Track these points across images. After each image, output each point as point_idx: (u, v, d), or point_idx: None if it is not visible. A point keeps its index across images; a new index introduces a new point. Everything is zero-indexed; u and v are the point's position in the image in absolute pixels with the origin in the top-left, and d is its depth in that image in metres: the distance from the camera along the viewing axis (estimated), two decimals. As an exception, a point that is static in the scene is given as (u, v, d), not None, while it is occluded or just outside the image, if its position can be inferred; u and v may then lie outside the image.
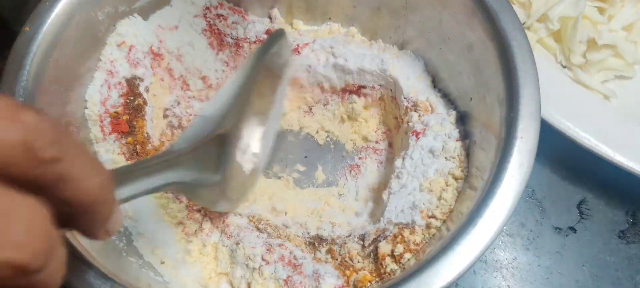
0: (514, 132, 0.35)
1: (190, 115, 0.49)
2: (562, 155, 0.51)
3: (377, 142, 0.50)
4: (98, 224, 0.23)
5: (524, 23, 0.55)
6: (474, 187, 0.37)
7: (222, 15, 0.50)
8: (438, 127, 0.43)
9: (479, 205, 0.33)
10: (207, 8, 0.50)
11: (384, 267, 0.37)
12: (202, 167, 0.35)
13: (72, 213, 0.21)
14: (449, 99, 0.46)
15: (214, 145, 0.37)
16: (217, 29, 0.50)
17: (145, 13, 0.47)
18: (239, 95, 0.39)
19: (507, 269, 0.47)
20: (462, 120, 0.44)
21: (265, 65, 0.42)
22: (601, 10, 0.55)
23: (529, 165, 0.34)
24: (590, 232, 0.49)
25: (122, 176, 0.28)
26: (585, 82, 0.53)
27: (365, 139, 0.51)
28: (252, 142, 0.43)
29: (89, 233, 0.23)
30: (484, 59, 0.41)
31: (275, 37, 0.43)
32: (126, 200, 0.28)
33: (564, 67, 0.55)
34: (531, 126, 0.35)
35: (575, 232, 0.49)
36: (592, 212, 0.50)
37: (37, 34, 0.39)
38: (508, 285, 0.47)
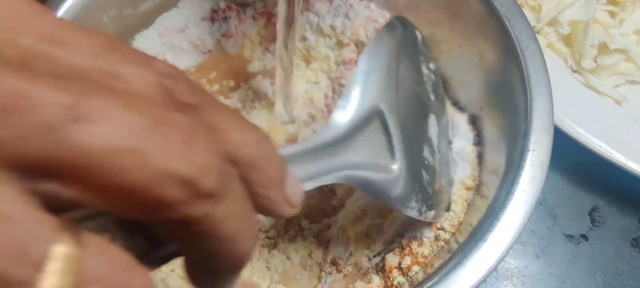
0: (526, 144, 0.35)
1: None
2: (573, 162, 0.51)
3: None
4: (273, 188, 0.19)
5: (534, 27, 0.55)
6: (485, 196, 0.37)
7: (230, 17, 0.50)
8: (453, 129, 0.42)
9: (490, 219, 0.33)
10: (215, 11, 0.49)
11: (391, 279, 0.37)
12: (373, 152, 0.30)
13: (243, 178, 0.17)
14: (458, 107, 0.45)
15: (380, 127, 0.32)
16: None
17: (151, 16, 0.47)
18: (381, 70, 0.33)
19: (517, 277, 0.47)
20: (474, 124, 0.43)
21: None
22: (612, 14, 0.55)
23: (541, 178, 0.34)
24: (602, 240, 0.49)
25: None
26: (596, 86, 0.52)
27: None
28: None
29: (269, 204, 0.19)
30: (495, 68, 0.40)
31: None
32: None
33: (575, 71, 0.54)
34: (544, 138, 0.35)
35: (587, 240, 0.48)
36: (604, 220, 0.49)
37: None
38: (519, 294, 0.46)
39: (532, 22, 0.55)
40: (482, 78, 0.42)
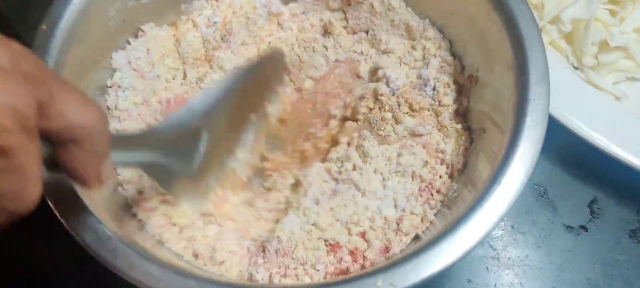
0: (526, 94, 0.37)
1: None
2: (573, 155, 0.52)
3: None
4: (91, 162, 0.25)
5: (536, 25, 0.56)
6: (490, 148, 0.39)
7: None
8: None
9: (501, 164, 0.35)
10: None
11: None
12: (180, 155, 0.36)
13: (65, 144, 0.24)
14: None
15: (194, 137, 0.38)
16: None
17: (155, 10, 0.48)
18: (226, 97, 0.40)
19: (519, 266, 0.48)
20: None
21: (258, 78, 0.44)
22: (613, 13, 0.56)
23: (543, 123, 0.36)
24: (601, 231, 0.50)
25: None
26: (596, 83, 0.54)
27: None
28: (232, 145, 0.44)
29: (82, 174, 0.26)
30: (489, 29, 0.42)
31: (275, 54, 0.44)
32: None
33: (576, 68, 0.56)
34: (542, 89, 0.38)
35: (586, 231, 0.50)
36: (603, 211, 0.51)
37: (54, 31, 0.40)
38: (520, 282, 0.47)
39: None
40: (476, 41, 0.44)
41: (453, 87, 0.46)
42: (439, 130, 0.45)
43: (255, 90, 0.45)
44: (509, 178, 0.34)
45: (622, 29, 0.55)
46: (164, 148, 0.35)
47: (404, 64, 0.48)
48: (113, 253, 0.32)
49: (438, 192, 0.42)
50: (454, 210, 0.38)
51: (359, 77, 0.49)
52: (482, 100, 0.43)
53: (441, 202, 0.42)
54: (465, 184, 0.40)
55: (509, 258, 0.48)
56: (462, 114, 0.46)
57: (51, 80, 0.24)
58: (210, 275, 0.38)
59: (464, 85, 0.46)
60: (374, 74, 0.48)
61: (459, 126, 0.45)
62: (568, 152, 0.52)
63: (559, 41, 0.56)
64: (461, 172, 0.42)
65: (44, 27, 0.40)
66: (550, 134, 0.50)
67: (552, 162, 0.53)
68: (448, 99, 0.46)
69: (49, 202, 0.33)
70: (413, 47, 0.49)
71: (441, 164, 0.44)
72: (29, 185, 0.22)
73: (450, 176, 0.43)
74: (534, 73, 0.38)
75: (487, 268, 0.48)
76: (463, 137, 0.44)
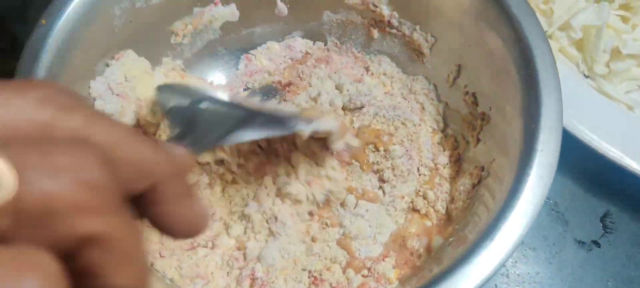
0: (534, 144, 0.34)
1: None
2: (585, 167, 0.50)
3: None
4: (186, 202, 0.21)
5: (546, 31, 0.54)
6: (493, 193, 0.37)
7: None
8: None
9: (497, 218, 0.33)
10: None
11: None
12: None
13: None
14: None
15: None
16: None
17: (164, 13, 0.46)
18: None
19: (529, 284, 0.46)
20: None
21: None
22: (625, 19, 0.54)
23: (549, 178, 0.33)
24: (614, 246, 0.48)
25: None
26: (608, 92, 0.52)
27: None
28: None
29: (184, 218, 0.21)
30: (505, 68, 0.40)
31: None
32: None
33: (586, 76, 0.54)
34: (552, 138, 0.35)
35: (598, 246, 0.48)
36: (616, 226, 0.49)
37: (53, 28, 0.38)
38: (530, 300, 0.46)
39: (544, 26, 0.54)
40: (491, 77, 0.42)
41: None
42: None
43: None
44: (503, 233, 0.32)
45: (634, 36, 0.53)
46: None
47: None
48: None
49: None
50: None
51: None
52: (490, 142, 0.42)
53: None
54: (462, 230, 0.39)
55: (518, 275, 0.47)
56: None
57: (95, 117, 0.18)
58: None
59: (476, 123, 0.44)
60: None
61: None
62: (579, 164, 0.50)
63: (568, 48, 0.54)
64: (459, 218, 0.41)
65: (43, 21, 0.39)
66: (561, 145, 0.49)
67: (562, 175, 0.51)
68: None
69: None
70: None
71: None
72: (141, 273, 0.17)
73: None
74: (545, 121, 0.35)
75: (496, 285, 0.46)
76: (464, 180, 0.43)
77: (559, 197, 0.50)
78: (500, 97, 0.41)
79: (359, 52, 0.52)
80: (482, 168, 0.41)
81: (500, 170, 0.38)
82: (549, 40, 0.53)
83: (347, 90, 0.49)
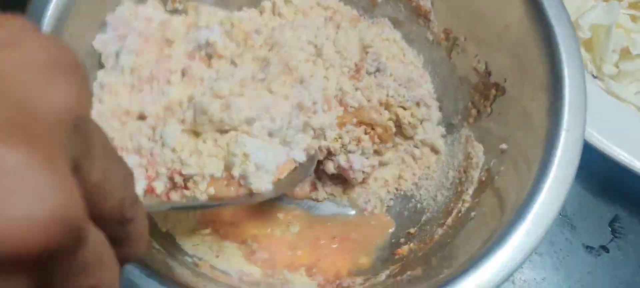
0: (560, 122, 0.34)
1: None
2: (593, 171, 0.49)
3: None
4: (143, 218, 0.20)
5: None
6: (519, 170, 0.36)
7: None
8: None
9: (528, 199, 0.32)
10: None
11: None
12: None
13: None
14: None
15: None
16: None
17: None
18: None
19: (535, 290, 0.45)
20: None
21: None
22: (635, 19, 0.53)
23: (576, 159, 0.33)
24: (624, 252, 0.47)
25: None
26: (617, 93, 0.51)
27: None
28: None
29: (136, 246, 0.20)
30: (523, 40, 0.38)
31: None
32: None
33: (595, 77, 0.53)
34: (578, 118, 0.34)
35: (607, 252, 0.47)
36: (626, 231, 0.48)
37: None
38: (537, 307, 0.45)
39: (552, 25, 0.54)
40: (507, 51, 0.40)
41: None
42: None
43: None
44: (526, 230, 0.31)
45: (645, 36, 0.52)
46: None
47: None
48: None
49: None
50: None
51: None
52: (507, 116, 0.40)
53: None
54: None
55: (524, 281, 0.46)
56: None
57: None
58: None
59: (489, 92, 0.43)
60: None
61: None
62: (588, 167, 0.49)
63: (577, 48, 0.53)
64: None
65: None
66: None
67: (570, 178, 0.50)
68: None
69: None
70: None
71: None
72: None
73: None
74: (572, 99, 0.34)
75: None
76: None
77: (566, 201, 0.48)
78: (517, 71, 0.39)
79: (361, 15, 0.50)
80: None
81: (523, 148, 0.37)
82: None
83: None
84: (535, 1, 0.38)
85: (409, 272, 0.37)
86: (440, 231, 0.40)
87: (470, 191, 0.40)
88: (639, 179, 0.45)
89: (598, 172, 0.49)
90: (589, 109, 0.48)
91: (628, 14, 0.53)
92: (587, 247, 0.47)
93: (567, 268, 0.46)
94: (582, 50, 0.53)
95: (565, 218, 0.48)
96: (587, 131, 0.46)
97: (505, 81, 0.41)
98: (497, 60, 0.42)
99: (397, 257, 0.41)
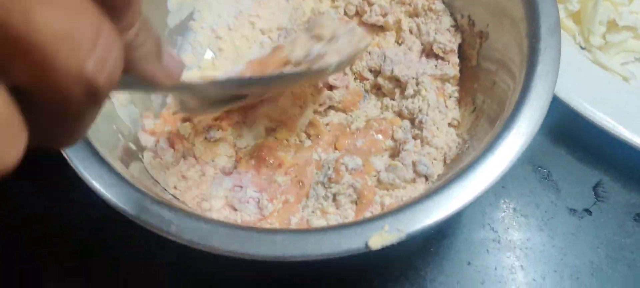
0: (537, 44, 0.37)
1: None
2: (579, 137, 0.51)
3: None
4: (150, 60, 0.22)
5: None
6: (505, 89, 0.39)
7: None
8: None
9: (514, 110, 0.34)
10: None
11: None
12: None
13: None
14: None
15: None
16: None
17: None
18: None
19: (520, 249, 0.47)
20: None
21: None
22: (622, -9, 0.54)
23: (554, 74, 0.36)
24: (606, 215, 0.49)
25: None
26: (604, 63, 0.52)
27: None
28: None
29: (148, 71, 0.22)
30: None
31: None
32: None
33: (583, 48, 0.54)
34: (553, 40, 0.37)
35: (590, 214, 0.49)
36: (608, 195, 0.50)
37: None
38: (521, 265, 0.46)
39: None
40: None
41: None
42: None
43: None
44: (522, 122, 0.34)
45: (631, 8, 0.53)
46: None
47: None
48: (120, 197, 0.32)
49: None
50: (464, 159, 0.38)
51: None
52: (492, 57, 0.43)
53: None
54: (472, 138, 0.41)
55: (510, 241, 0.47)
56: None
57: None
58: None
59: (474, 41, 0.46)
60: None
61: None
62: (573, 133, 0.51)
63: (566, 20, 0.55)
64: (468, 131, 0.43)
65: None
66: (556, 114, 0.50)
67: (556, 144, 0.51)
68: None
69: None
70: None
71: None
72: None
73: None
74: (545, 23, 0.37)
75: (487, 250, 0.47)
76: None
77: (552, 166, 0.50)
78: (497, 13, 0.43)
79: None
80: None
81: (507, 77, 0.40)
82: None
83: None
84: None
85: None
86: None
87: None
88: (623, 145, 0.47)
89: (583, 138, 0.51)
90: (577, 78, 0.50)
91: (616, -13, 0.54)
92: (571, 209, 0.49)
93: (551, 229, 0.48)
94: (571, 22, 0.55)
95: (550, 182, 0.50)
96: (575, 99, 0.48)
97: (488, 26, 0.44)
98: (478, 10, 0.46)
99: None
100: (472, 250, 0.47)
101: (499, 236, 0.47)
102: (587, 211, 0.49)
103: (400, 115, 0.46)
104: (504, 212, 0.49)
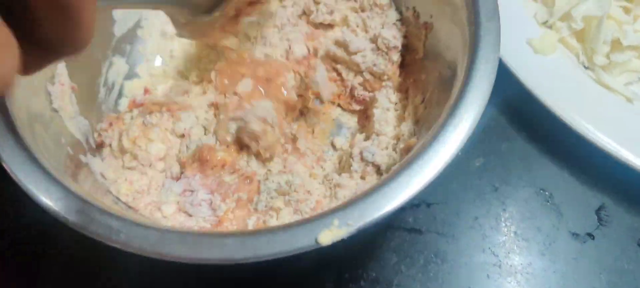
0: (477, 30, 0.37)
1: None
2: (581, 159, 0.50)
3: None
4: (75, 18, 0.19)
5: (546, 22, 0.54)
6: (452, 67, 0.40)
7: None
8: None
9: (456, 99, 0.35)
10: None
11: None
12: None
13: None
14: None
15: None
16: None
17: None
18: None
19: (521, 274, 0.46)
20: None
21: None
22: (626, 10, 0.54)
23: (495, 59, 0.36)
24: (609, 239, 0.48)
25: None
26: (607, 83, 0.51)
27: None
28: None
29: (69, 35, 0.20)
30: None
31: None
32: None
33: (586, 67, 0.53)
34: (492, 24, 0.37)
35: (593, 239, 0.48)
36: (611, 219, 0.49)
37: None
38: (522, 291, 0.46)
39: (545, 16, 0.54)
40: None
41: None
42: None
43: None
44: (466, 108, 0.34)
45: (635, 27, 0.53)
46: None
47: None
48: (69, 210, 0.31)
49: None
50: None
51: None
52: (437, 47, 0.44)
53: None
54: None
55: (511, 266, 0.47)
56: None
57: None
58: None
59: (419, 33, 0.46)
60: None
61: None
62: (576, 155, 0.50)
63: (569, 39, 0.54)
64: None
65: None
66: (558, 136, 0.49)
67: (558, 166, 0.51)
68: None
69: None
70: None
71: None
72: None
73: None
74: (484, 9, 0.38)
75: (488, 275, 0.46)
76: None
77: (553, 188, 0.50)
78: (439, 2, 0.44)
79: None
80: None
81: (452, 65, 0.40)
82: (550, 30, 0.53)
83: None
84: None
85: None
86: None
87: None
88: (626, 168, 0.46)
89: (586, 161, 0.50)
90: (579, 98, 0.49)
91: (620, 6, 0.54)
92: (573, 233, 0.48)
93: (552, 253, 0.47)
94: (574, 41, 0.54)
95: (552, 205, 0.49)
96: (577, 120, 0.47)
97: (431, 17, 0.45)
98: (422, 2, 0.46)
99: None
100: (472, 275, 0.46)
101: (500, 261, 0.47)
102: (590, 235, 0.48)
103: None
104: (505, 235, 0.48)
